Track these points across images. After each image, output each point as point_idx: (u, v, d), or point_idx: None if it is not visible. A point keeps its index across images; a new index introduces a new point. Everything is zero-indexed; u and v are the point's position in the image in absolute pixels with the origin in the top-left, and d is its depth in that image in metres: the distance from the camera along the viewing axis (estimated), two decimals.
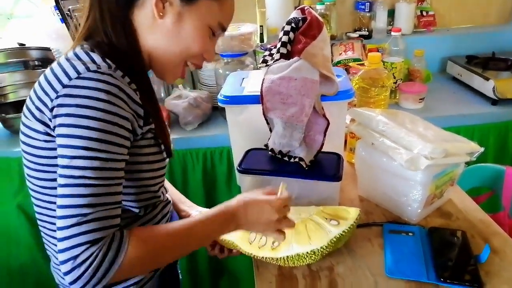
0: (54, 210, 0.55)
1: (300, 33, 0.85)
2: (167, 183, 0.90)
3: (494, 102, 1.42)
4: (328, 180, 0.76)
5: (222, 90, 0.94)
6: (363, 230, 0.76)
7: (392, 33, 1.48)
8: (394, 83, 1.45)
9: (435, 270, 0.65)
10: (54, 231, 0.61)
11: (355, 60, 1.50)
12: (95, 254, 0.52)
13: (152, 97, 0.68)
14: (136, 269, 0.57)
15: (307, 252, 0.63)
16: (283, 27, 0.86)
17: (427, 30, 1.82)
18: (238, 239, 0.72)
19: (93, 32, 0.66)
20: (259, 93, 0.83)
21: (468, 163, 0.80)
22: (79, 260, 0.51)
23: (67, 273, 0.52)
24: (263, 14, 1.76)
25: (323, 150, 0.82)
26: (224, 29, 0.70)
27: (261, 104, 0.83)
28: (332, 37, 1.70)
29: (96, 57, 0.60)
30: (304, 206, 0.75)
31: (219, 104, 0.91)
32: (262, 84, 0.83)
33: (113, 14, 0.64)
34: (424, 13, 1.82)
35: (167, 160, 0.74)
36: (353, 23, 1.83)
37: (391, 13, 1.79)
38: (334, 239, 0.63)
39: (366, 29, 1.74)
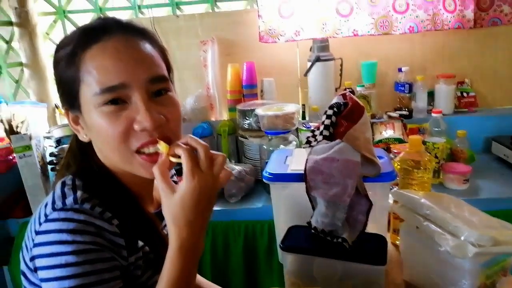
0: None
1: (342, 117, 0.91)
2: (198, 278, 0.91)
3: None
4: (372, 264, 0.76)
5: (267, 167, 0.99)
6: None
7: (433, 114, 1.51)
8: (437, 163, 1.45)
9: None
10: None
11: (396, 139, 1.53)
12: None
13: (140, 219, 0.66)
14: None
15: None
16: (326, 111, 0.92)
17: (469, 110, 1.84)
18: None
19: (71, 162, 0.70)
20: (302, 172, 0.87)
21: None
22: None
23: None
24: (305, 93, 1.88)
25: (366, 231, 0.83)
26: (115, 88, 0.59)
27: (304, 183, 0.87)
28: (372, 116, 1.75)
29: (67, 190, 0.61)
30: None
31: (264, 180, 0.96)
32: (305, 164, 0.88)
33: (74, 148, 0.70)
34: (465, 94, 1.86)
35: None
36: (393, 103, 1.89)
37: (431, 93, 1.83)
38: None
39: (406, 109, 1.79)
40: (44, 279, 0.56)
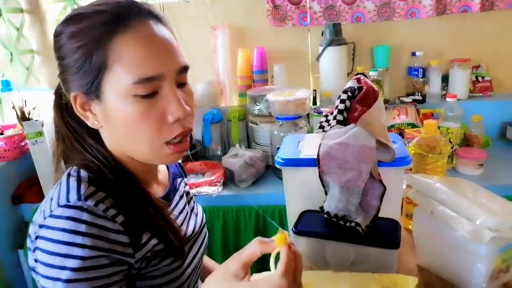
0: None
1: (356, 102, 0.89)
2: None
3: None
4: (385, 247, 0.75)
5: (280, 152, 0.98)
6: None
7: (447, 99, 1.48)
8: (451, 147, 1.43)
9: None
10: None
11: (409, 124, 1.51)
12: None
13: (148, 208, 0.64)
14: None
15: None
16: (340, 95, 0.90)
17: (484, 95, 1.80)
18: None
19: (70, 153, 0.66)
20: (315, 157, 0.86)
21: None
22: None
23: None
24: (317, 79, 1.86)
25: (379, 215, 0.82)
26: (152, 78, 0.58)
27: (317, 167, 0.86)
28: (385, 101, 1.73)
29: (72, 182, 0.60)
30: (360, 273, 0.74)
31: (277, 165, 0.95)
32: (319, 149, 0.87)
33: (73, 138, 0.65)
34: (480, 79, 1.82)
35: (185, 265, 0.70)
36: (406, 88, 1.86)
37: (445, 78, 1.80)
38: None
39: (419, 94, 1.76)
40: (41, 275, 0.57)
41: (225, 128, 1.85)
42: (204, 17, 1.87)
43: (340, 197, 0.83)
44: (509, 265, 0.76)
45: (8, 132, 1.65)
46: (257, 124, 1.65)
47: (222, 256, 1.45)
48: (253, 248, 0.55)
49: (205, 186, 1.45)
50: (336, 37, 1.72)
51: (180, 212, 0.77)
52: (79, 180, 0.60)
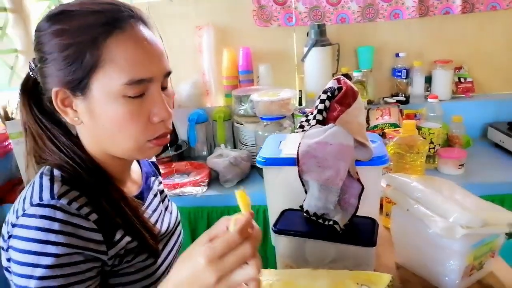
0: None
1: (336, 102, 0.90)
2: None
3: None
4: (362, 245, 0.76)
5: (261, 152, 0.99)
6: None
7: (429, 100, 1.51)
8: (432, 148, 1.45)
9: None
10: None
11: (392, 125, 1.53)
12: None
13: (121, 208, 0.64)
14: None
15: None
16: (320, 96, 0.92)
17: (466, 96, 1.83)
18: None
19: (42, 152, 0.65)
20: (295, 156, 0.87)
21: (510, 235, 0.77)
22: None
23: None
24: (302, 79, 1.87)
25: (358, 214, 0.83)
26: (143, 81, 0.60)
27: (297, 166, 0.87)
28: (369, 102, 1.75)
29: (46, 181, 0.60)
30: (337, 270, 0.75)
31: (258, 165, 0.96)
32: (298, 148, 0.88)
33: (45, 136, 0.65)
34: (462, 80, 1.85)
35: (158, 263, 0.70)
36: (390, 89, 1.88)
37: (428, 79, 1.83)
38: None
39: (403, 95, 1.78)
40: (14, 273, 0.57)
41: (211, 128, 1.85)
42: (188, 17, 1.87)
43: (319, 195, 0.84)
44: (482, 262, 0.78)
45: None
46: (242, 124, 1.65)
47: None
48: (220, 224, 0.57)
49: (189, 186, 1.45)
50: (320, 38, 1.73)
51: (154, 211, 0.78)
52: (52, 179, 0.61)
